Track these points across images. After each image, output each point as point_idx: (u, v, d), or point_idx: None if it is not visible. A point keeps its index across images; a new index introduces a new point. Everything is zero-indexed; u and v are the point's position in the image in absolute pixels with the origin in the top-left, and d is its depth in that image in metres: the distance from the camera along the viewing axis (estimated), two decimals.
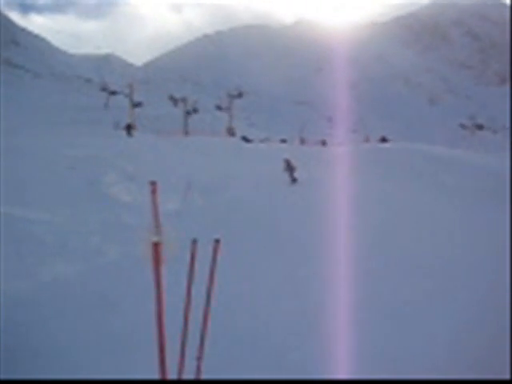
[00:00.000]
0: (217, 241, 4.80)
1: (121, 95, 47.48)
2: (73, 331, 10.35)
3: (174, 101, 54.40)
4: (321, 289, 12.04)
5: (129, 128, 37.80)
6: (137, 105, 42.47)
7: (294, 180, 22.53)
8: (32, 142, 23.88)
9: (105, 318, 11.02)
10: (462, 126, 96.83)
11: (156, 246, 4.44)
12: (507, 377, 5.72)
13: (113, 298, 12.03)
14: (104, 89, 56.26)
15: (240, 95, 52.94)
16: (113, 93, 54.49)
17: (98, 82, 59.01)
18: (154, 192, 4.35)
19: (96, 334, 10.15)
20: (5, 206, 15.15)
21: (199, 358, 5.19)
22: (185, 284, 6.74)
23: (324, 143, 44.78)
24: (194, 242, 4.95)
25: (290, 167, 22.96)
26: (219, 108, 52.13)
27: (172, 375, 5.31)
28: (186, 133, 41.67)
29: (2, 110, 33.62)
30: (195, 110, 49.81)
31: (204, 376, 5.43)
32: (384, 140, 50.77)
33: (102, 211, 16.54)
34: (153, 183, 4.36)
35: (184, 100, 48.78)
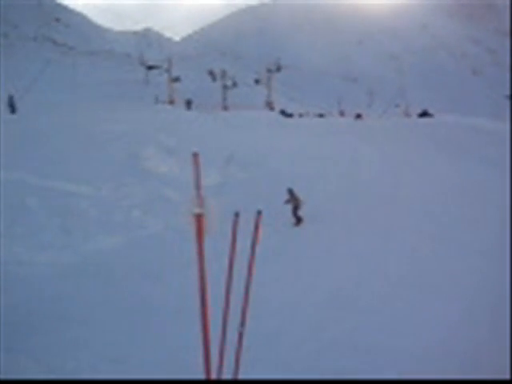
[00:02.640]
0: (259, 212, 4.80)
1: (160, 70, 47.69)
2: (117, 302, 10.60)
3: (213, 75, 54.37)
4: (360, 265, 12.00)
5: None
6: (176, 79, 42.69)
7: (298, 220, 15.12)
8: (75, 118, 24.25)
9: (148, 289, 11.25)
10: (508, 98, 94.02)
11: (198, 218, 4.44)
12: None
13: (155, 269, 12.25)
14: (143, 64, 56.67)
15: (279, 69, 52.50)
16: (152, 68, 54.82)
17: (137, 58, 59.27)
18: (196, 164, 4.35)
19: (139, 305, 10.38)
20: (51, 180, 15.51)
21: (242, 324, 5.24)
22: (225, 256, 6.80)
23: (359, 116, 44.08)
24: (236, 214, 4.96)
25: (294, 200, 15.25)
26: (258, 82, 51.89)
27: (214, 346, 5.39)
28: (225, 107, 41.68)
29: (46, 88, 34.19)
30: (234, 84, 49.74)
31: (247, 347, 5.50)
32: (425, 114, 49.72)
33: (144, 185, 16.75)
34: (195, 155, 4.37)
35: (223, 74, 48.73)
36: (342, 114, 54.02)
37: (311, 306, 9.95)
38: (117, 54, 60.79)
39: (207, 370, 5.07)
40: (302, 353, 8.32)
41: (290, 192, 15.26)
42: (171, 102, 39.07)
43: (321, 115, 49.28)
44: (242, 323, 5.47)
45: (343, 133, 28.22)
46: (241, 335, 5.41)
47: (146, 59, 57.77)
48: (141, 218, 14.89)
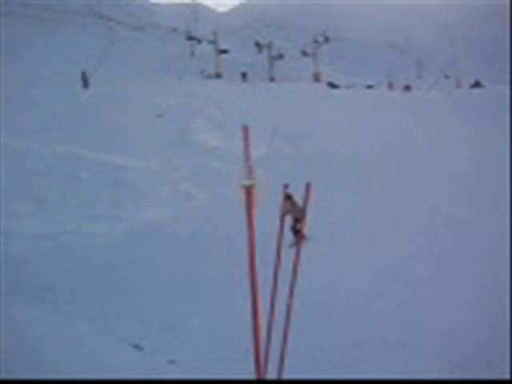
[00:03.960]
0: (308, 185, 4.78)
1: (206, 43, 47.62)
2: (166, 271, 10.84)
3: (259, 47, 53.95)
4: (408, 237, 11.87)
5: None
6: (223, 52, 42.58)
7: (298, 236, 9.78)
8: (123, 92, 24.54)
9: (196, 259, 11.45)
10: None
11: (248, 189, 4.45)
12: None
13: (203, 240, 12.44)
14: (189, 37, 56.68)
15: (327, 40, 51.66)
16: (198, 41, 54.81)
17: (183, 31, 59.37)
18: (246, 136, 4.34)
19: (187, 274, 10.58)
20: (102, 153, 15.86)
21: (291, 295, 5.26)
22: (272, 229, 6.83)
23: (408, 88, 42.95)
24: (286, 186, 4.95)
25: (294, 210, 11.31)
26: (305, 54, 51.28)
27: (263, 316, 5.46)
28: (272, 79, 41.40)
29: (93, 63, 34.62)
30: (281, 56, 49.27)
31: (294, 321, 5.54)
32: (477, 84, 48.14)
33: (191, 157, 16.93)
34: (245, 128, 4.35)
35: (269, 46, 48.24)
36: (390, 85, 52.95)
37: (359, 280, 9.94)
38: (164, 28, 60.92)
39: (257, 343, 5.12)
40: (348, 326, 8.35)
41: (288, 198, 10.89)
42: (218, 75, 39.03)
43: (369, 86, 48.28)
44: (291, 294, 5.48)
45: (391, 105, 27.67)
46: (289, 309, 5.43)
47: (193, 32, 57.67)
48: (188, 190, 15.10)
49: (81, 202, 13.61)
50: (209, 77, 38.72)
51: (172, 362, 6.16)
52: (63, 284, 9.96)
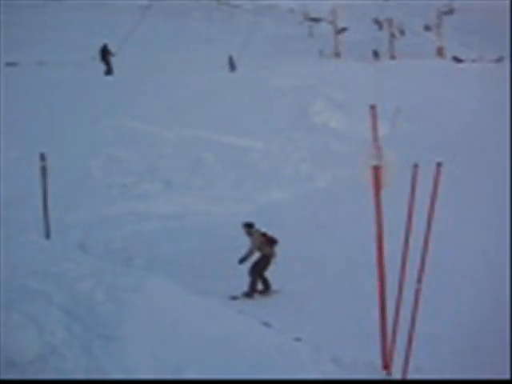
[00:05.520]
0: (439, 164, 4.61)
1: (325, 23, 47.15)
2: (289, 251, 10.94)
3: (379, 24, 52.51)
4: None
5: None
6: (342, 30, 41.98)
7: (256, 290, 9.50)
8: (244, 74, 25.05)
9: (317, 241, 11.50)
10: None
11: (376, 169, 4.39)
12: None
13: (324, 222, 12.46)
14: (307, 17, 56.47)
15: (451, 11, 49.12)
16: (316, 20, 54.42)
17: (300, 12, 59.24)
18: (373, 116, 4.30)
19: (308, 256, 10.65)
20: (225, 135, 16.33)
21: (419, 281, 5.17)
22: (395, 209, 6.69)
23: None
24: (415, 166, 4.83)
25: (262, 245, 9.64)
26: (428, 28, 49.18)
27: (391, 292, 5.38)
28: (393, 56, 40.17)
29: (214, 48, 35.55)
30: (401, 33, 47.69)
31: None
32: None
33: (312, 139, 16.95)
34: (372, 107, 4.30)
35: (389, 22, 46.78)
36: None
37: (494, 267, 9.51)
38: (281, 10, 61.05)
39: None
40: (476, 309, 8.05)
41: (250, 229, 9.62)
42: (337, 55, 38.56)
43: (499, 59, 45.14)
44: (419, 279, 5.38)
45: None
46: (418, 292, 5.33)
47: (310, 12, 57.26)
48: (309, 171, 15.16)
49: (206, 183, 14.11)
50: (328, 56, 38.34)
51: (298, 339, 6.26)
52: (191, 262, 10.43)
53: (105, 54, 26.04)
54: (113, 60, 25.92)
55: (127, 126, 16.35)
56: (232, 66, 29.69)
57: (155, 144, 15.59)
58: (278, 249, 9.56)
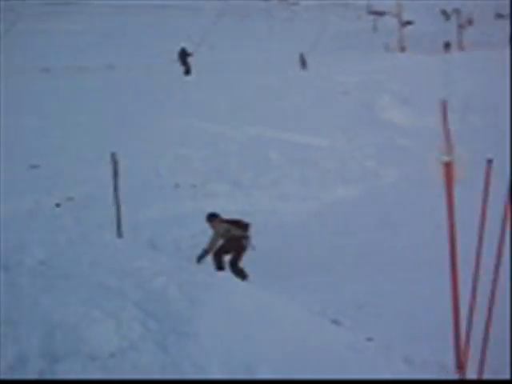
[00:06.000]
0: (489, 161, 4.47)
1: (389, 16, 46.38)
2: (356, 249, 10.91)
3: (446, 14, 51.13)
4: None
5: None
6: (407, 23, 41.18)
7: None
8: (314, 71, 25.17)
9: (385, 239, 11.35)
10: None
11: (448, 165, 4.31)
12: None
13: (392, 219, 12.28)
14: (371, 11, 55.77)
15: None
16: (380, 14, 53.64)
17: (364, 6, 58.61)
18: (444, 111, 4.21)
19: (376, 254, 10.54)
20: (290, 133, 16.39)
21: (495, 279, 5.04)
22: (466, 207, 6.52)
23: None
24: (489, 162, 4.69)
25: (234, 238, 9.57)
26: (500, 16, 47.42)
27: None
28: (462, 47, 39.01)
29: (284, 46, 35.72)
30: (470, 22, 46.22)
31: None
32: None
33: (377, 135, 16.75)
34: (443, 102, 4.22)
35: (457, 12, 45.41)
36: None
37: None
38: (344, 4, 60.46)
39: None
40: None
41: (213, 219, 9.36)
42: (402, 49, 37.83)
43: None
44: (495, 279, 5.23)
45: None
46: (493, 290, 5.19)
47: (375, 6, 56.46)
48: (375, 168, 14.98)
49: (272, 181, 14.20)
50: (393, 50, 37.69)
51: (370, 339, 6.22)
52: (259, 259, 10.51)
53: (184, 55, 27.17)
54: (191, 61, 27.02)
55: (195, 126, 16.71)
56: (303, 63, 29.75)
57: (222, 143, 15.85)
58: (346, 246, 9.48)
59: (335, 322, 6.60)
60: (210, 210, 12.79)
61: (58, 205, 12.63)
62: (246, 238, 9.22)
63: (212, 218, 9.46)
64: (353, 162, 15.36)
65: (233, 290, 5.93)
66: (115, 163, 10.07)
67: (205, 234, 11.82)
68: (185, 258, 9.96)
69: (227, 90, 20.24)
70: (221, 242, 9.26)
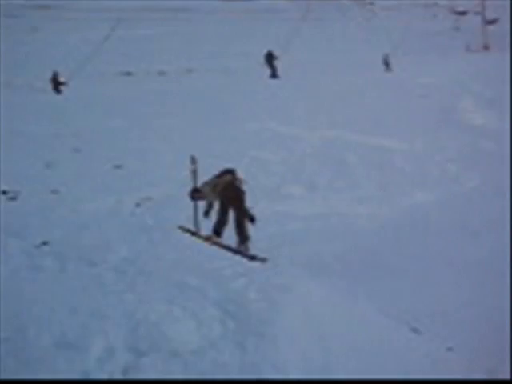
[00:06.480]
0: None
1: (471, 14, 45.00)
2: (433, 255, 10.65)
3: None
4: None
5: None
6: (490, 23, 39.76)
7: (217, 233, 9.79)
8: (398, 73, 24.83)
9: (465, 246, 11.01)
10: None
11: None
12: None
13: (473, 226, 11.88)
14: (453, 11, 54.30)
15: None
16: (462, 13, 52.15)
17: (445, 5, 57.10)
18: None
19: (456, 261, 10.25)
20: (368, 136, 16.19)
21: None
22: None
23: None
24: None
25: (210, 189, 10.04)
26: None
27: None
28: None
29: (353, 46, 35.42)
30: None
31: None
32: None
33: (459, 138, 16.27)
34: None
35: None
36: None
37: None
38: (423, 4, 59.14)
39: None
40: None
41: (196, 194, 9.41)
42: (486, 48, 36.57)
43: None
44: None
45: None
46: None
47: (456, 5, 54.90)
48: (456, 173, 14.56)
49: (348, 184, 14.08)
50: (476, 50, 36.50)
51: (450, 349, 6.08)
52: (335, 263, 10.46)
53: (270, 58, 27.68)
54: (278, 63, 27.48)
55: (272, 128, 16.81)
56: (387, 64, 29.38)
57: (298, 146, 15.85)
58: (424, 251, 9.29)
59: (414, 329, 6.48)
60: (286, 212, 12.86)
61: (137, 204, 13.02)
62: (236, 180, 9.23)
63: (194, 193, 9.52)
64: (432, 165, 15.00)
65: (310, 292, 5.95)
66: (194, 164, 10.30)
67: (280, 236, 11.93)
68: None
69: (307, 92, 20.27)
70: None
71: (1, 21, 42.68)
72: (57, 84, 26.80)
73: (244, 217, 9.33)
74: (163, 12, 52.37)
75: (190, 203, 10.42)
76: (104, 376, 4.87)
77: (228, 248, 8.74)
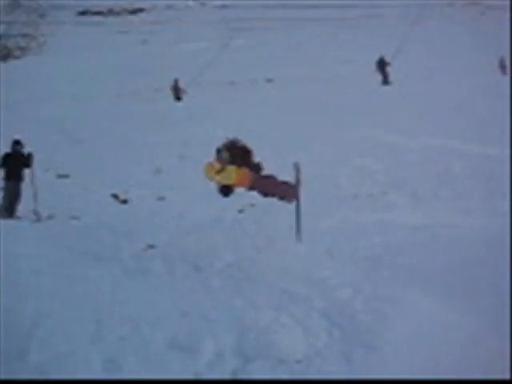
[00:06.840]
0: None
1: None
2: None
3: None
4: None
5: None
6: None
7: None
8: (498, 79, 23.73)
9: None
10: None
11: None
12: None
13: None
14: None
15: None
16: None
17: (499, 5, 54.07)
18: None
19: None
20: (473, 145, 15.61)
21: None
22: None
23: None
24: None
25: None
26: None
27: None
28: None
29: (462, 50, 34.14)
30: None
31: None
32: None
33: None
34: None
35: None
36: None
37: None
38: (477, 3, 56.14)
39: None
40: None
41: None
42: None
43: None
44: None
45: None
46: None
47: None
48: None
49: (454, 194, 13.61)
50: None
51: None
52: (441, 275, 10.12)
53: (382, 64, 27.52)
54: (389, 70, 27.28)
55: (375, 136, 16.61)
56: (503, 68, 28.03)
57: (401, 154, 15.55)
58: None
59: None
60: (389, 221, 12.60)
61: (240, 211, 13.29)
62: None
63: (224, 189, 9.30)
64: None
65: (419, 305, 5.83)
66: (298, 172, 10.35)
67: (382, 246, 11.70)
68: (362, 268, 9.94)
69: (415, 99, 19.84)
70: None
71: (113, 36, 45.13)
72: (178, 91, 27.79)
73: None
74: (274, 21, 52.92)
75: (292, 210, 10.49)
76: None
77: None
